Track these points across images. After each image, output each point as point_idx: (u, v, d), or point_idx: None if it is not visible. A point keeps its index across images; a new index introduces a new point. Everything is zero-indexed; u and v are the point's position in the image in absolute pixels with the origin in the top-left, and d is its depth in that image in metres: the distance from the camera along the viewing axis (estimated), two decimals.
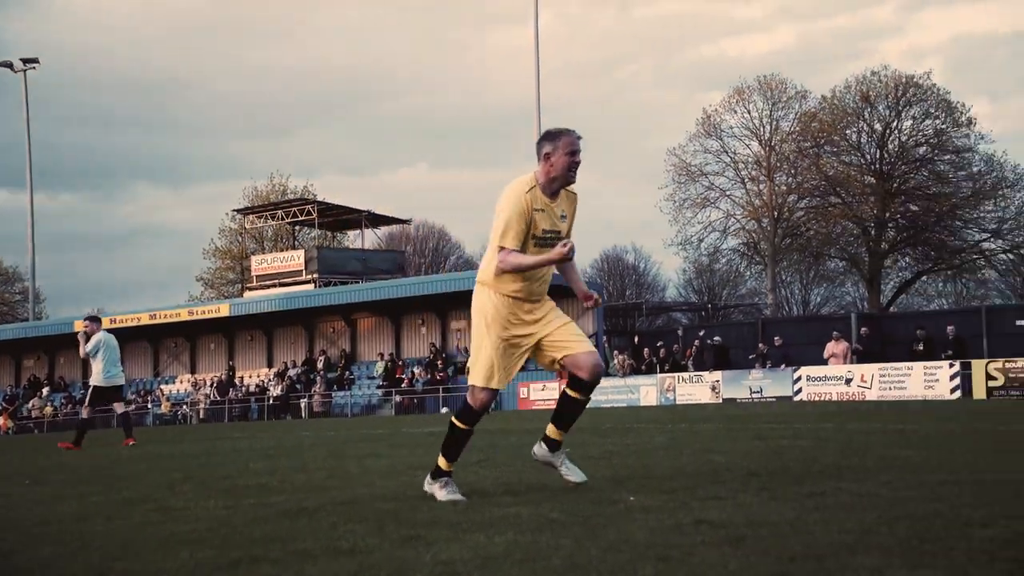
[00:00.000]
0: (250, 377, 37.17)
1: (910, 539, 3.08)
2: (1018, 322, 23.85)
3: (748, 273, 44.26)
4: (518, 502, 4.44)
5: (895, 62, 73.89)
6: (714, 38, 70.08)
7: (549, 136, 4.63)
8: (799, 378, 22.67)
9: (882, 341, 24.17)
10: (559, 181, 4.61)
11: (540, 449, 4.96)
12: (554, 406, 4.97)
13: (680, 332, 30.75)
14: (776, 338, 25.24)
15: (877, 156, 37.66)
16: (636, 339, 29.95)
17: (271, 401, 33.49)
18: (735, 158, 39.90)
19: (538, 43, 34.36)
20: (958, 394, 19.82)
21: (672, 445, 7.89)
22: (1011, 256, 37.26)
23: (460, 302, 33.34)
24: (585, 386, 4.73)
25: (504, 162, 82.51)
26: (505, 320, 4.64)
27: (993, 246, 37.18)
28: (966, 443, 7.23)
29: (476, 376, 4.68)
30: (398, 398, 31.25)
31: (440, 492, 4.67)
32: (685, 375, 25.20)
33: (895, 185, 37.52)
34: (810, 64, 60.98)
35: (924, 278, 40.54)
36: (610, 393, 26.16)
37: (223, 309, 36.92)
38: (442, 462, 4.78)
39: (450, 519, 3.99)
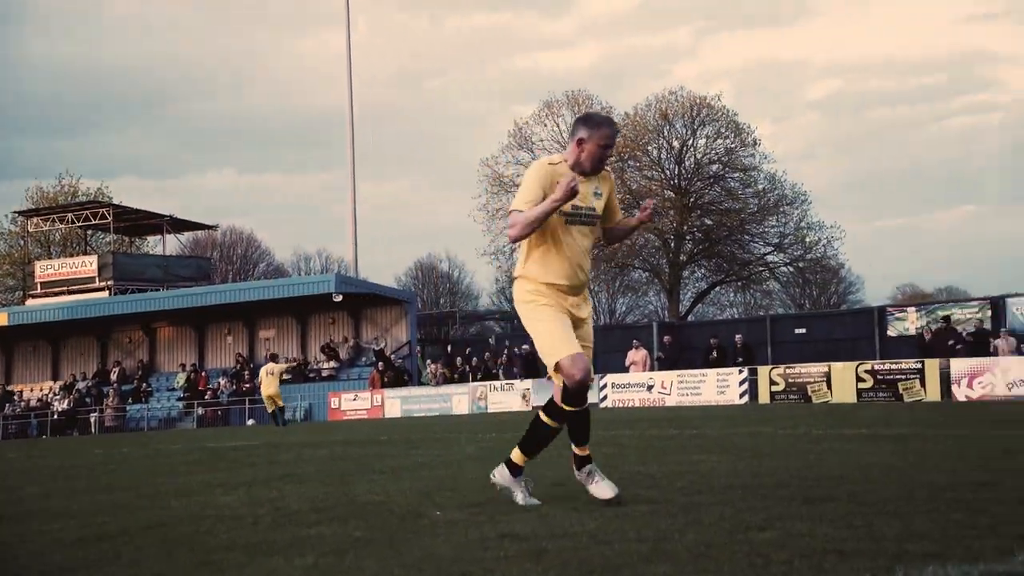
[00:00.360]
0: (31, 391, 34.44)
1: (698, 545, 3.24)
2: (796, 330, 25.86)
3: None
4: (323, 520, 4.34)
5: (691, 83, 78.43)
6: (527, 51, 71.86)
7: (589, 122, 4.41)
8: (605, 385, 23.52)
9: (680, 349, 25.50)
10: (587, 169, 4.39)
11: (579, 475, 4.56)
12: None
13: (492, 341, 31.19)
14: None
15: (676, 172, 39.82)
16: (449, 348, 30.11)
17: (55, 417, 31.13)
18: None
19: (350, 48, 34.00)
20: (746, 399, 21.22)
21: (482, 456, 7.96)
22: (791, 268, 40.38)
23: (270, 310, 32.37)
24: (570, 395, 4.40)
25: (317, 167, 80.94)
26: (557, 303, 4.34)
27: (776, 259, 40.17)
28: (751, 447, 7.73)
29: (555, 348, 4.24)
30: (200, 411, 29.88)
31: (518, 491, 4.52)
32: (497, 384, 25.57)
33: (692, 200, 39.78)
34: (615, 81, 63.73)
35: (718, 288, 43.20)
36: (422, 402, 26.14)
37: (1, 318, 34.04)
38: (518, 457, 4.57)
39: (248, 541, 3.84)
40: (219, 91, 77.51)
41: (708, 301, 44.49)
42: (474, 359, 27.40)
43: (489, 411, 24.64)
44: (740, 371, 21.73)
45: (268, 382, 20.73)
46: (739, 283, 41.96)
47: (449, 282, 54.04)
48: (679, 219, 39.77)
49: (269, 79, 78.21)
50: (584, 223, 4.37)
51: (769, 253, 40.13)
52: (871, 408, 16.50)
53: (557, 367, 4.28)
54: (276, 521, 4.41)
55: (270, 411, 20.98)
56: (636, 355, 24.25)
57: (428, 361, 28.05)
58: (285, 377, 23.06)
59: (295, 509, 4.80)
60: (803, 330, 25.65)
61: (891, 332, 23.42)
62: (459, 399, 25.69)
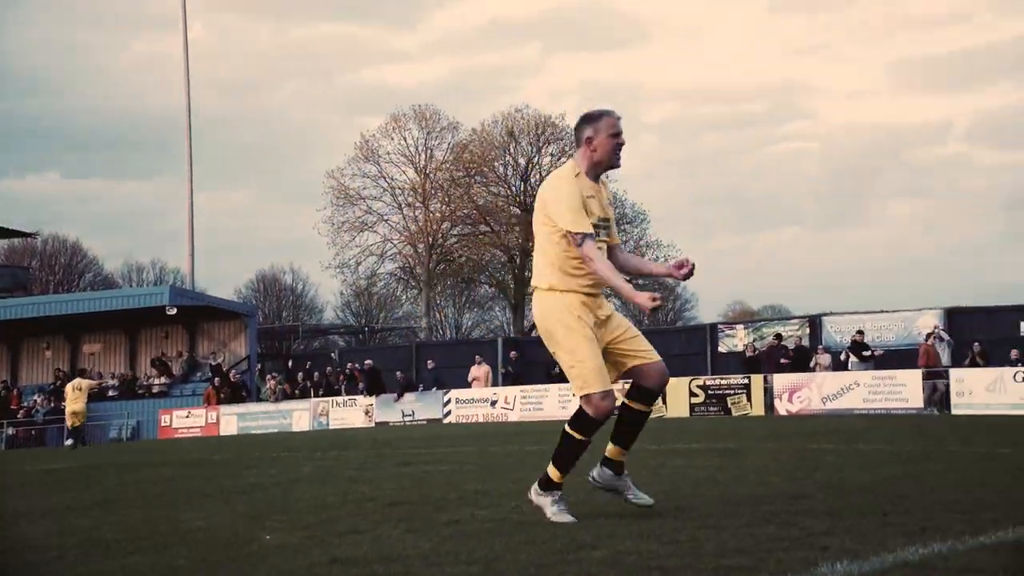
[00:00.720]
0: None
1: (529, 567, 3.25)
2: None
3: (404, 297, 45.31)
4: (139, 549, 4.09)
5: (538, 101, 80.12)
6: (374, 64, 71.30)
7: (588, 119, 4.34)
8: (448, 401, 23.52)
9: (524, 364, 25.81)
10: (604, 165, 4.33)
11: (602, 473, 4.46)
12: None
13: (335, 355, 30.61)
14: (429, 361, 25.99)
15: (521, 188, 40.44)
16: (290, 363, 29.34)
17: None
18: (392, 184, 40.78)
19: (187, 52, 32.69)
20: None
21: (318, 475, 7.77)
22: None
23: (96, 323, 30.52)
24: (650, 396, 4.40)
25: (151, 173, 77.29)
26: (583, 319, 4.25)
27: None
28: (588, 463, 7.88)
29: (587, 383, 4.19)
30: (11, 431, 27.79)
31: (550, 509, 4.30)
32: (339, 399, 25.09)
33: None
34: (463, 97, 64.22)
35: None
36: (260, 419, 25.32)
37: None
38: (553, 472, 4.35)
39: (48, 573, 3.57)
40: (39, 91, 72.78)
41: None
42: (316, 374, 26.80)
43: (331, 427, 24.15)
44: None
45: (74, 397, 20.01)
46: None
47: (293, 295, 52.71)
48: (525, 235, 40.41)
49: (99, 80, 74.13)
50: (604, 232, 4.36)
51: None
52: (703, 422, 17.23)
53: (587, 398, 4.22)
54: (86, 553, 4.12)
55: (70, 426, 20.01)
56: (478, 371, 24.38)
57: (268, 376, 27.21)
58: (109, 393, 21.78)
59: (109, 539, 4.50)
60: None
61: (722, 348, 24.53)
62: (299, 415, 25.04)
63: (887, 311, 22.58)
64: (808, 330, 22.79)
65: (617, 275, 4.22)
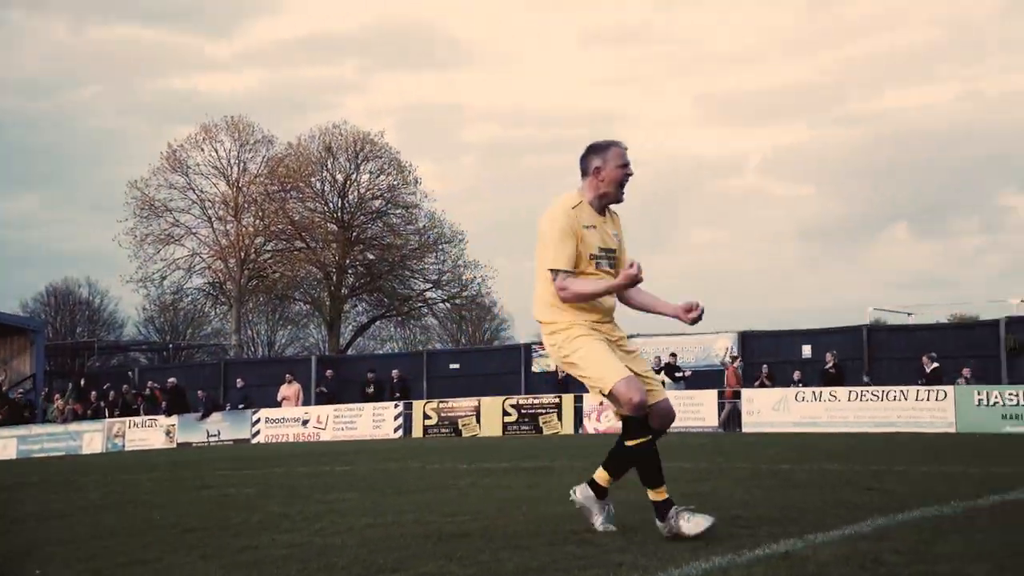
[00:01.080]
0: None
1: None
2: (451, 365, 26.82)
3: (213, 313, 43.47)
4: None
5: (357, 118, 79.21)
6: (183, 71, 68.17)
7: (596, 149, 4.24)
8: (257, 420, 22.72)
9: (339, 383, 25.34)
10: (610, 197, 4.23)
11: (584, 491, 4.31)
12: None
13: (133, 374, 28.92)
14: (238, 380, 25.02)
15: (339, 205, 39.83)
16: (83, 381, 27.42)
17: None
18: (202, 196, 39.12)
19: None
20: (401, 433, 21.58)
21: (107, 502, 7.26)
22: (448, 305, 42.00)
23: None
24: (654, 435, 4.12)
25: None
26: (593, 332, 4.09)
27: (434, 295, 41.54)
28: (397, 484, 7.81)
29: (603, 379, 3.99)
30: None
31: (678, 524, 3.95)
32: (137, 419, 23.68)
33: (354, 234, 39.98)
34: (279, 110, 62.47)
35: (378, 322, 43.71)
36: (45, 442, 23.51)
37: None
38: (655, 494, 4.04)
39: None
40: None
41: (368, 335, 44.87)
42: (111, 393, 25.18)
43: (127, 449, 22.73)
44: (396, 405, 22.04)
45: None
46: (399, 318, 42.77)
47: (88, 310, 49.36)
48: (341, 252, 39.80)
49: None
50: (608, 263, 4.22)
51: (428, 289, 41.38)
52: (515, 441, 17.50)
53: (611, 395, 4.01)
54: None
55: None
56: (288, 390, 23.73)
57: (56, 396, 25.29)
58: None
59: None
60: (457, 365, 26.64)
61: (535, 368, 25.08)
62: (91, 437, 23.42)
63: (688, 334, 23.83)
64: None
65: (594, 281, 4.11)
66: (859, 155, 62.72)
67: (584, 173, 4.25)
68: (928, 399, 16.97)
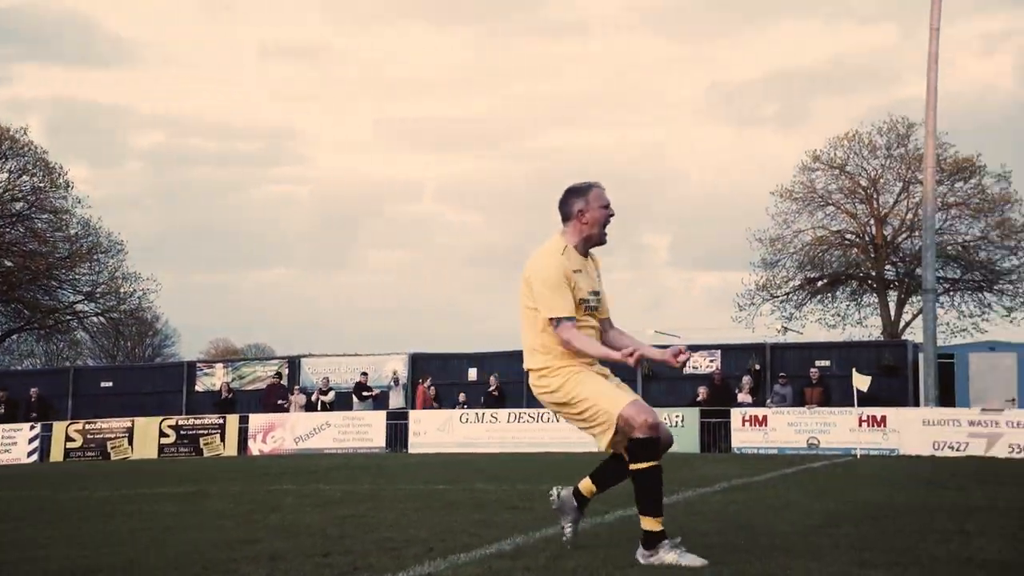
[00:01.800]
0: None
1: None
2: (103, 383, 24.69)
3: None
4: None
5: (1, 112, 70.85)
6: None
7: (576, 192, 4.19)
8: None
9: None
10: (594, 239, 4.19)
11: (567, 497, 4.31)
12: None
13: None
14: None
15: None
16: None
17: None
18: None
19: None
20: (36, 457, 19.49)
21: None
22: (103, 319, 38.62)
23: None
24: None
25: None
26: (585, 368, 4.09)
27: (87, 308, 37.98)
28: (27, 515, 7.04)
29: (608, 411, 3.97)
30: None
31: (672, 558, 3.83)
32: None
33: None
34: None
35: (16, 336, 39.15)
36: None
37: None
38: (648, 523, 3.92)
39: None
40: None
41: (3, 350, 40.07)
42: None
43: None
44: (32, 427, 19.89)
45: None
46: (42, 331, 38.66)
47: None
48: None
49: None
50: (594, 307, 4.20)
51: (80, 302, 37.80)
52: (173, 464, 16.48)
53: (623, 419, 3.93)
54: None
55: None
56: None
57: None
58: None
59: None
60: (110, 383, 24.63)
61: (199, 387, 23.83)
62: None
63: (360, 355, 23.96)
64: (287, 370, 23.23)
65: (599, 345, 4.13)
66: (522, 188, 67.11)
67: (566, 217, 4.23)
68: None
